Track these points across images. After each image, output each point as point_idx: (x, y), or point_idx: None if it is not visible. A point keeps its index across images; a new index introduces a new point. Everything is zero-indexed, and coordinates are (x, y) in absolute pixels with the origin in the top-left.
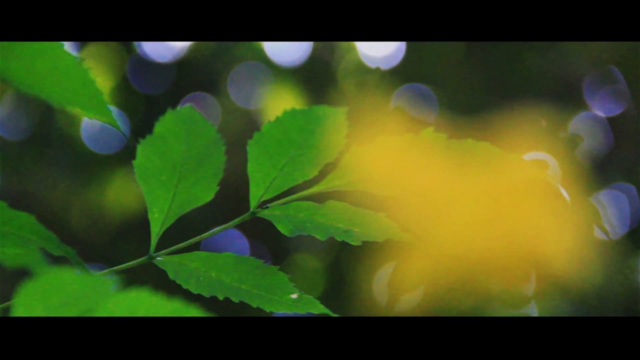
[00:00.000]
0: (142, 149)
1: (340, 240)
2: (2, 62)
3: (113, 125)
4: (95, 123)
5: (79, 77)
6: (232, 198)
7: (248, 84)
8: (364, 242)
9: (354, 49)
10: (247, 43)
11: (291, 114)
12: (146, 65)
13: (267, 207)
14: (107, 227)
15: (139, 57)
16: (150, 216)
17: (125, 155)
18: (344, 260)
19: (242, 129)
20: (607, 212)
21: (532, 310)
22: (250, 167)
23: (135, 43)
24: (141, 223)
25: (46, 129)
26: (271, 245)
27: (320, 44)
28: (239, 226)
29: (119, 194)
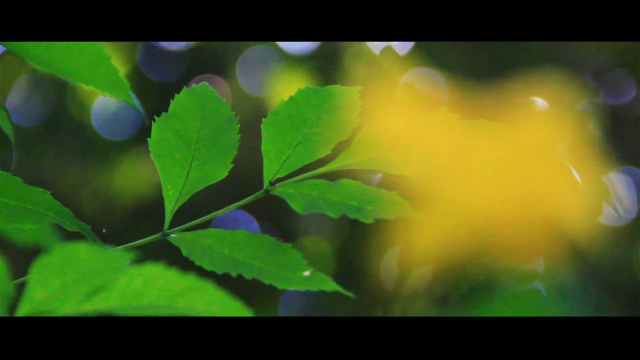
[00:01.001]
0: (156, 126)
1: (352, 218)
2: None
3: (128, 102)
4: (106, 109)
5: (96, 55)
6: (239, 182)
7: (257, 70)
8: (373, 224)
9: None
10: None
11: (305, 93)
12: (158, 52)
13: (274, 187)
14: (118, 211)
15: (149, 45)
16: (164, 193)
17: (135, 141)
18: (353, 244)
19: (250, 115)
20: (617, 190)
21: (540, 286)
22: (264, 146)
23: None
24: (151, 207)
25: (58, 115)
26: (280, 229)
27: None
28: (249, 209)
29: (128, 179)
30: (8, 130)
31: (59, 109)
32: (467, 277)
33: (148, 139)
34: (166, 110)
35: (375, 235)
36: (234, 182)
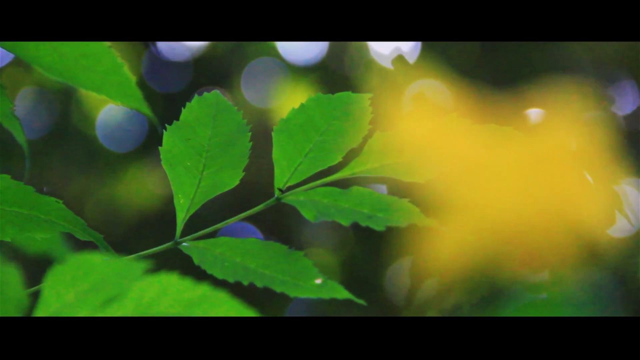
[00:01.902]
0: (168, 135)
1: (364, 225)
2: (32, 49)
3: (143, 110)
4: (110, 121)
5: (109, 62)
6: (243, 192)
7: (261, 82)
8: (380, 234)
9: (367, 47)
10: (261, 43)
11: (316, 100)
12: (162, 64)
13: (286, 195)
14: (122, 222)
15: (154, 56)
16: (175, 202)
17: (139, 153)
18: (359, 255)
19: (254, 127)
20: (630, 200)
21: (554, 296)
22: (275, 154)
23: (150, 42)
24: (154, 218)
25: (63, 127)
26: (284, 240)
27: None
28: (253, 220)
29: (132, 191)
30: (22, 140)
31: (64, 120)
32: (479, 287)
33: (160, 147)
34: (171, 122)
35: (382, 245)
36: (238, 193)
